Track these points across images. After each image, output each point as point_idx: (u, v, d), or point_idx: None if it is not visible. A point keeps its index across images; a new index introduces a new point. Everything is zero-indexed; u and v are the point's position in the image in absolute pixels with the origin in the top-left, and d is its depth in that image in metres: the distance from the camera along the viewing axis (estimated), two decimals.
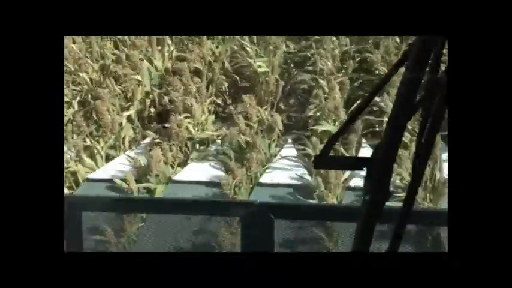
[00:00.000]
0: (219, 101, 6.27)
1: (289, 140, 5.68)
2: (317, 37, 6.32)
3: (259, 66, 6.30)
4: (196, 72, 6.12)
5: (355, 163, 1.05)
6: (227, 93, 6.42)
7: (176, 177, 4.87)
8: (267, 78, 6.16)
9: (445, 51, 0.93)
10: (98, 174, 4.85)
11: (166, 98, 5.74)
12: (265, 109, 5.87)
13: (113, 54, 6.38)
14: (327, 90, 5.68)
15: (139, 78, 6.01)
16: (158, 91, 6.03)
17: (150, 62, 6.35)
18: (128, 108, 5.89)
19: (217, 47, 6.53)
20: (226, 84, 6.35)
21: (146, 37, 6.35)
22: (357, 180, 4.53)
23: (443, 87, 0.90)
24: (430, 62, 0.90)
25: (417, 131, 0.95)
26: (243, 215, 2.01)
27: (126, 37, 6.50)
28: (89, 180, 4.69)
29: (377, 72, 5.97)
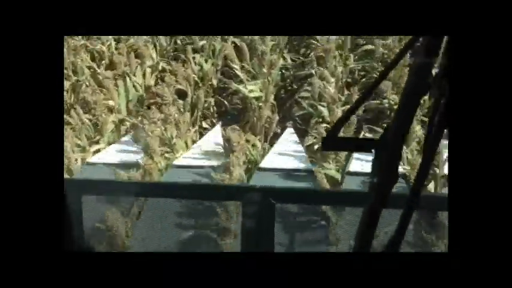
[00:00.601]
0: (205, 124, 5.76)
1: None
2: (319, 52, 5.79)
3: (251, 91, 5.65)
4: (181, 94, 5.60)
5: (364, 145, 1.04)
6: (215, 115, 5.89)
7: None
8: (260, 104, 5.52)
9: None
10: None
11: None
12: (259, 139, 5.24)
13: (89, 68, 5.90)
14: (328, 119, 5.12)
15: (112, 103, 5.42)
16: (132, 120, 5.34)
17: (130, 79, 5.80)
18: (97, 142, 5.17)
19: (206, 61, 6.04)
20: (214, 105, 5.82)
21: (125, 52, 5.91)
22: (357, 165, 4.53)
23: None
24: (442, 48, 0.90)
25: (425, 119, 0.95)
26: (244, 199, 2.00)
27: (104, 49, 6.11)
28: None
29: (386, 101, 5.34)
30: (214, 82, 6.01)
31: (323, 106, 5.29)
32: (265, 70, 5.72)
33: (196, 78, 5.88)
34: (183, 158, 4.83)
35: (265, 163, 4.81)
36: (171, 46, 6.41)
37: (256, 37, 5.78)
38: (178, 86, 5.62)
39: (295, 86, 6.07)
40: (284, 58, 6.23)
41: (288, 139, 5.23)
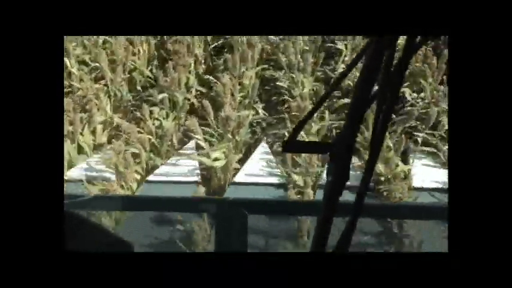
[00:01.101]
0: None
1: None
2: (293, 111, 5.32)
3: (215, 159, 5.10)
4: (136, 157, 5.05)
5: (321, 148, 1.16)
6: None
7: None
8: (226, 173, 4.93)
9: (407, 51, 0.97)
10: None
11: None
12: None
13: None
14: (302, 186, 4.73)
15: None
16: None
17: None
18: None
19: (166, 116, 5.53)
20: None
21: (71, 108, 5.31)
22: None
23: (394, 85, 0.96)
24: (384, 61, 0.96)
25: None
26: (217, 211, 2.02)
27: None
28: None
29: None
30: (175, 141, 5.46)
31: (296, 174, 4.85)
32: (230, 133, 5.23)
33: (153, 140, 5.34)
34: None
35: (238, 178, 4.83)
36: (127, 98, 5.92)
37: (221, 91, 5.49)
38: (132, 150, 5.09)
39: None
40: (256, 111, 5.80)
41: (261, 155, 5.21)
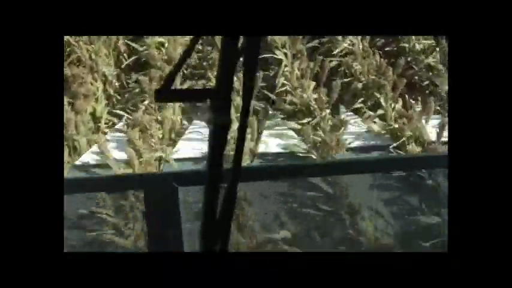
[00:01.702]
0: None
1: None
2: None
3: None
4: None
5: (199, 94, 1.11)
6: None
7: None
8: None
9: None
10: None
11: None
12: None
13: None
14: None
15: None
16: None
17: None
18: None
19: None
20: None
21: None
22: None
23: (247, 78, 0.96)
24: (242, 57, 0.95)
25: None
26: (146, 187, 1.97)
27: None
28: None
29: None
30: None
31: None
32: None
33: None
34: None
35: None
36: None
37: None
38: None
39: None
40: None
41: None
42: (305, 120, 5.43)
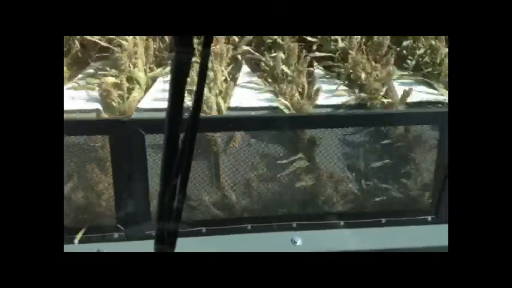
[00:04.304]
0: None
1: None
2: None
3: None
4: None
5: None
6: None
7: None
8: None
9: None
10: None
11: None
12: None
13: None
14: None
15: None
16: None
17: None
18: None
19: None
20: None
21: None
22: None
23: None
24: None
25: None
26: (113, 132, 1.95)
27: None
28: None
29: None
30: None
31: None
32: None
33: None
34: None
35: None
36: None
37: None
38: None
39: None
40: None
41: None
42: None
